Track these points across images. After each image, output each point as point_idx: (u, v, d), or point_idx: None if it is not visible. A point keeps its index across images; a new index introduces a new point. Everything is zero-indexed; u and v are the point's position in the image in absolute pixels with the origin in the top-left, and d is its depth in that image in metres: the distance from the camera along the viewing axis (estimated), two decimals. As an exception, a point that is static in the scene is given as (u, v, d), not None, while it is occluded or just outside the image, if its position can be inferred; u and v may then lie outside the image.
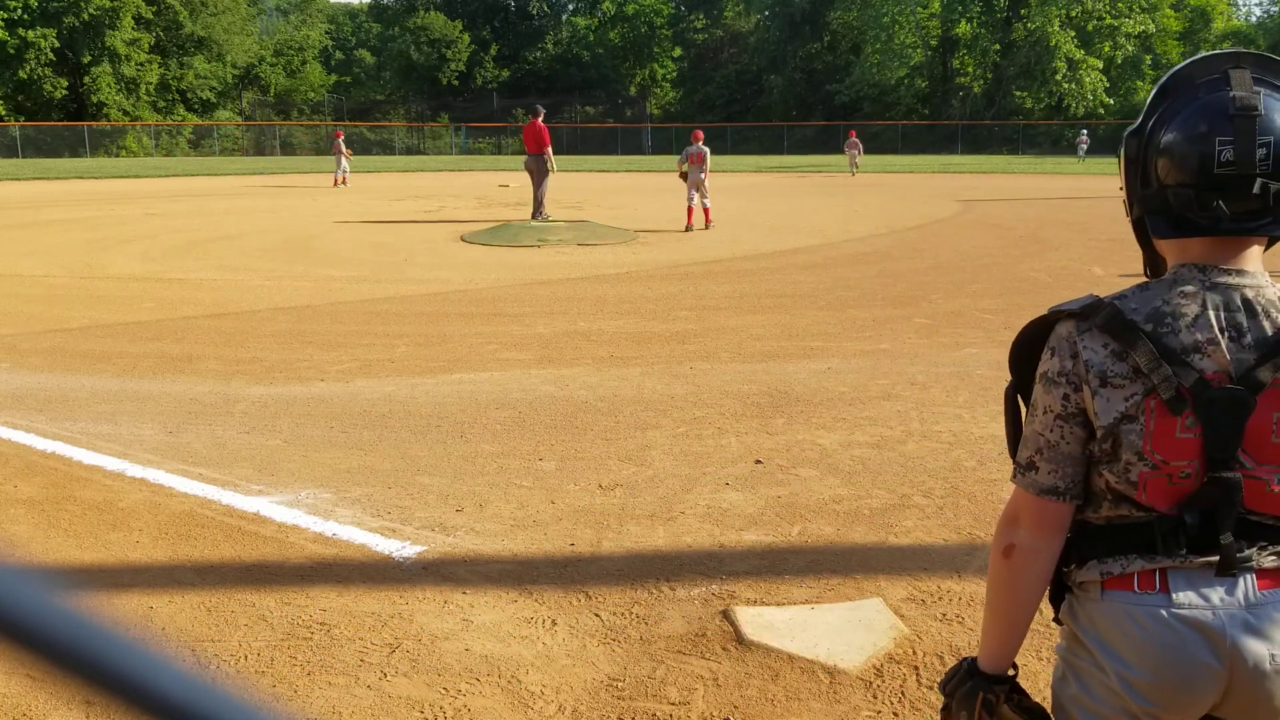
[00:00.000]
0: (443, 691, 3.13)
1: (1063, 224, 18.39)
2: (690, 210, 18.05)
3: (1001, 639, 1.63)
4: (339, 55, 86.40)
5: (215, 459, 5.35)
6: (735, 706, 3.05)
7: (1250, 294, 1.47)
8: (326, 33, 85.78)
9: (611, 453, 5.45)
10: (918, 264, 13.05)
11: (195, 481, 5.00)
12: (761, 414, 6.15)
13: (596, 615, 3.62)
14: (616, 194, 29.10)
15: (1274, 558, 1.47)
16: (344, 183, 33.63)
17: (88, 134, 62.60)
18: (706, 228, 17.70)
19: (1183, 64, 1.55)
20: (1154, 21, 67.03)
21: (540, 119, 19.08)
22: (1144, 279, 1.63)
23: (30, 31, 60.38)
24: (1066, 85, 65.30)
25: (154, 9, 66.51)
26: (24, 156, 58.10)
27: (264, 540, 4.30)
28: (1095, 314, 1.50)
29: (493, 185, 32.32)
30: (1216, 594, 1.45)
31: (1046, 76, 65.81)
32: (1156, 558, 1.47)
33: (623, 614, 3.62)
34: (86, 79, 64.85)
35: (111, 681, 0.41)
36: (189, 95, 71.48)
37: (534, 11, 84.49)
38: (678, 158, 18.52)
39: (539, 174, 19.04)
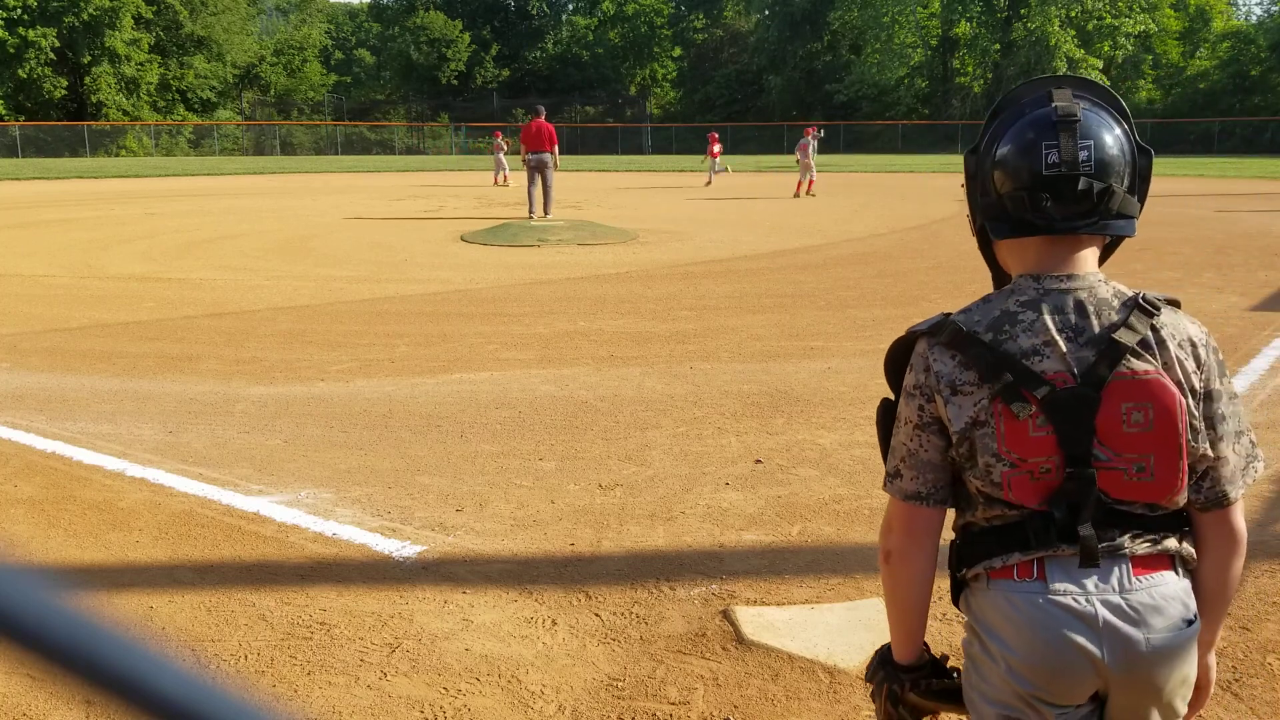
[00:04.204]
0: (443, 691, 3.13)
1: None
2: (799, 183, 26.80)
3: (902, 633, 1.74)
4: (339, 55, 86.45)
5: (215, 459, 5.35)
6: (735, 706, 3.05)
7: (1083, 296, 1.60)
8: (326, 32, 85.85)
9: (611, 452, 5.45)
10: (918, 264, 13.04)
11: (195, 481, 5.00)
12: (761, 414, 6.15)
13: (596, 615, 3.62)
14: (616, 194, 29.10)
15: (1148, 544, 1.56)
16: (505, 182, 32.52)
17: (88, 134, 62.63)
18: (810, 194, 26.31)
19: (1013, 89, 1.70)
20: (1154, 21, 67.05)
21: (543, 118, 19.42)
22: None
23: (30, 31, 60.41)
24: (1067, 85, 65.29)
25: (154, 9, 66.55)
26: (24, 156, 58.15)
27: (264, 540, 4.30)
28: (942, 331, 1.63)
29: (490, 184, 32.29)
30: (1091, 581, 1.53)
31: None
32: (1032, 551, 1.56)
33: (623, 614, 3.62)
34: (87, 79, 64.90)
35: (111, 681, 0.41)
36: (189, 95, 71.52)
37: (534, 11, 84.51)
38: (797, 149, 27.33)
39: (547, 172, 19.24)
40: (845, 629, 3.48)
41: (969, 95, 72.28)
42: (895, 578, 1.70)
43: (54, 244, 16.09)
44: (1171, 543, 1.58)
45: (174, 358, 7.82)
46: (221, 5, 70.68)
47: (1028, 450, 1.55)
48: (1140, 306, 1.59)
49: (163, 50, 69.22)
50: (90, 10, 61.73)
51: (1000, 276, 1.78)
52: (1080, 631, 1.52)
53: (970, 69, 72.59)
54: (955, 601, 1.72)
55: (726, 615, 3.60)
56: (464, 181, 35.28)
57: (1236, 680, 3.15)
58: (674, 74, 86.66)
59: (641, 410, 6.27)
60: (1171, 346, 1.57)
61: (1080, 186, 1.55)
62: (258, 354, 7.96)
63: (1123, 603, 1.53)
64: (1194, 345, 1.59)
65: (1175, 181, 32.40)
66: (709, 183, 33.01)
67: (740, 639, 3.43)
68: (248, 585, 3.88)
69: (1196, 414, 1.57)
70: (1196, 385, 1.57)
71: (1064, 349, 1.56)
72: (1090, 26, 66.16)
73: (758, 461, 5.25)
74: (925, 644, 1.75)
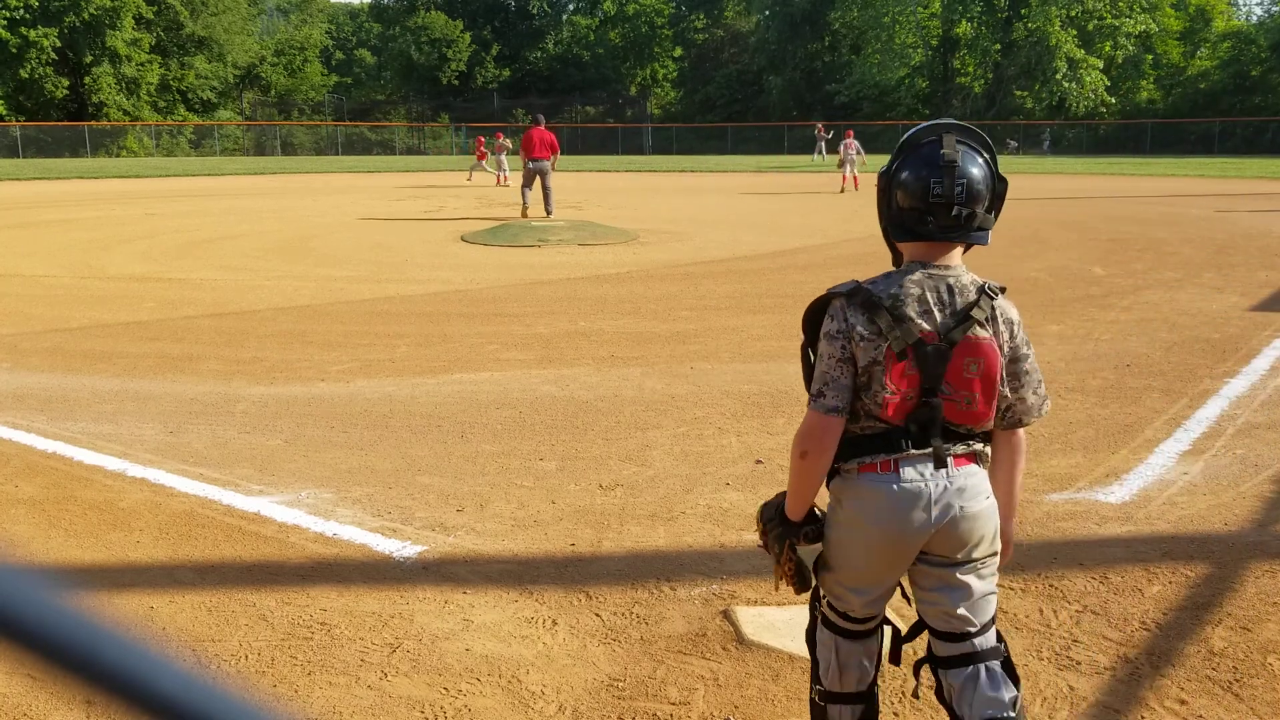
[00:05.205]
0: (443, 691, 3.13)
1: (1063, 224, 18.38)
2: (844, 177, 28.63)
3: (800, 504, 2.39)
4: (339, 55, 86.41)
5: (216, 459, 5.35)
6: (736, 706, 3.05)
7: (951, 281, 2.26)
8: (327, 32, 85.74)
9: (612, 453, 5.45)
10: (918, 264, 13.00)
11: (196, 481, 5.00)
12: (762, 414, 6.15)
13: (597, 615, 3.62)
14: (617, 194, 29.09)
15: (964, 448, 2.28)
16: (505, 182, 32.00)
17: (88, 134, 62.58)
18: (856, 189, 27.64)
19: (913, 130, 2.34)
20: (1154, 21, 66.93)
21: (545, 125, 20.13)
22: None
23: (32, 31, 60.35)
24: (1067, 85, 65.25)
25: (154, 9, 66.48)
26: (25, 156, 58.10)
27: (264, 540, 4.30)
28: (856, 294, 2.26)
29: (491, 185, 32.27)
30: (928, 471, 2.24)
31: (1047, 76, 65.76)
32: (892, 453, 2.24)
33: (623, 614, 3.62)
34: (87, 79, 64.85)
35: (112, 681, 0.41)
36: (190, 95, 71.47)
37: (534, 11, 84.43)
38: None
39: (547, 176, 19.75)
40: (846, 629, 3.47)
41: (970, 95, 72.18)
42: (809, 470, 2.32)
43: (55, 244, 16.09)
44: (978, 447, 2.31)
45: (175, 358, 7.82)
46: (222, 5, 70.60)
47: (902, 384, 2.22)
48: (986, 292, 2.27)
49: (163, 50, 69.17)
50: (91, 10, 61.67)
51: (898, 258, 2.39)
52: (919, 508, 2.22)
53: (971, 69, 72.49)
54: (827, 484, 2.37)
55: (727, 615, 3.59)
56: (464, 182, 35.28)
57: (1237, 681, 3.15)
58: (674, 74, 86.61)
59: (642, 410, 6.27)
60: (1000, 322, 2.27)
61: (953, 213, 2.22)
62: (258, 354, 7.96)
63: (949, 484, 2.24)
64: (1012, 324, 2.29)
65: (1176, 182, 32.38)
66: (470, 179, 33.74)
67: (741, 639, 3.43)
68: (248, 585, 3.88)
69: (1005, 370, 2.28)
70: (1007, 350, 2.28)
71: (936, 317, 2.23)
72: (1091, 27, 66.05)
73: (758, 462, 5.25)
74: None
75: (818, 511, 2.42)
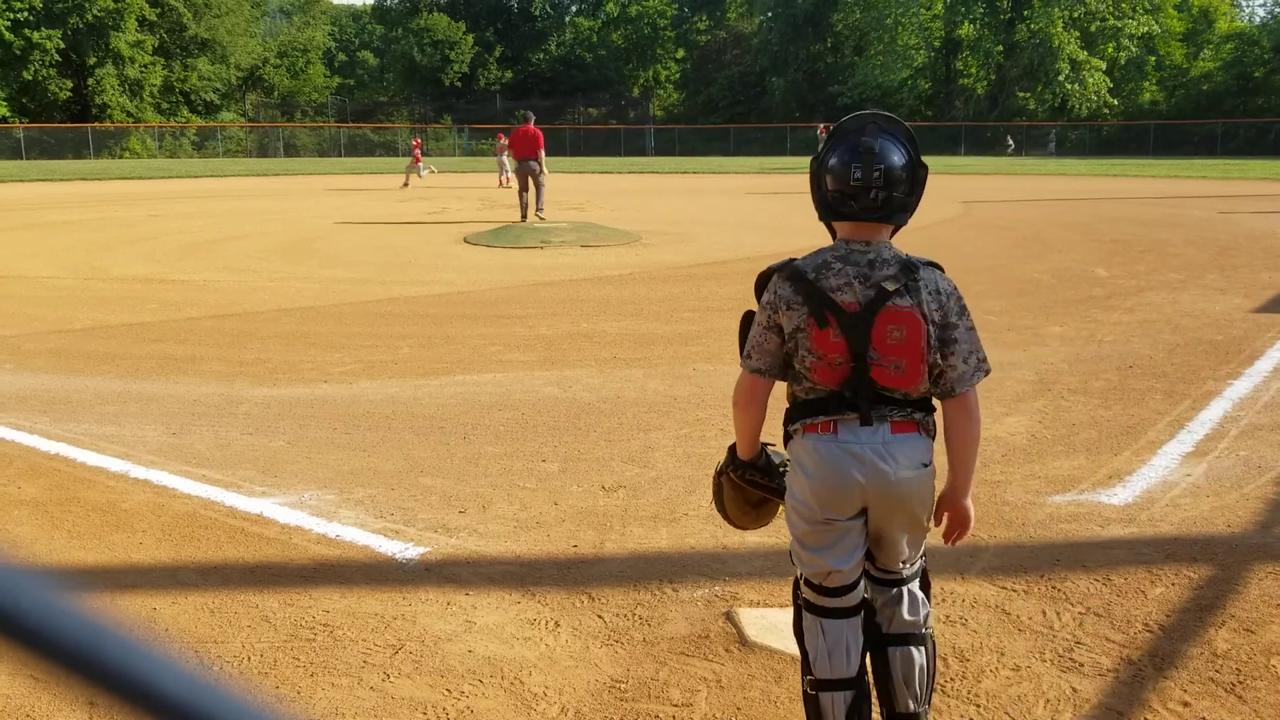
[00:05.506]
0: (446, 693, 3.13)
1: (1066, 225, 18.37)
2: None
3: (744, 444, 2.72)
4: (342, 57, 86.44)
5: (218, 460, 5.36)
6: (738, 708, 3.05)
7: (872, 256, 2.47)
8: (330, 34, 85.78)
9: (615, 454, 5.45)
10: (921, 265, 12.99)
11: (198, 483, 5.00)
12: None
13: (599, 617, 3.62)
14: (619, 195, 29.10)
15: (902, 415, 2.46)
16: (508, 184, 30.90)
17: (92, 136, 62.63)
18: None
19: (841, 121, 2.60)
20: (1157, 23, 66.88)
21: (532, 123, 19.86)
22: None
23: (35, 33, 60.45)
24: (1070, 86, 65.20)
25: (158, 11, 66.55)
26: (28, 158, 58.16)
27: (267, 541, 4.31)
28: (786, 268, 2.52)
29: (494, 185, 32.21)
30: (865, 433, 2.45)
31: (1050, 77, 65.70)
32: (830, 415, 2.47)
33: (626, 615, 3.62)
34: (91, 80, 64.92)
35: (115, 682, 0.41)
36: (193, 97, 71.51)
37: (537, 13, 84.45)
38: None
39: (535, 174, 19.63)
40: (848, 631, 3.47)
41: (972, 97, 72.17)
42: (743, 419, 2.68)
43: (58, 246, 16.11)
44: (918, 415, 2.49)
45: (177, 359, 7.83)
46: (225, 7, 70.68)
47: (828, 350, 2.44)
48: (906, 266, 2.45)
49: (166, 52, 69.23)
50: (94, 12, 61.77)
51: (833, 235, 2.60)
52: (854, 466, 2.44)
53: (974, 70, 72.47)
54: (785, 445, 2.65)
55: (730, 617, 3.59)
56: (467, 183, 35.29)
57: (1240, 683, 3.15)
58: (677, 75, 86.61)
59: (645, 412, 6.27)
60: (924, 293, 2.44)
61: (871, 195, 2.45)
62: (261, 355, 7.97)
63: (882, 449, 2.44)
64: (939, 293, 2.46)
65: (1178, 183, 32.34)
66: (405, 184, 33.28)
67: (743, 640, 3.43)
68: (251, 587, 3.89)
69: (933, 337, 2.43)
70: (936, 319, 2.44)
71: (856, 288, 2.44)
72: (1093, 28, 66.00)
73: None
74: (765, 448, 2.75)
75: (775, 461, 2.76)
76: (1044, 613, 3.62)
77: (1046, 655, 3.32)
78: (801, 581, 2.64)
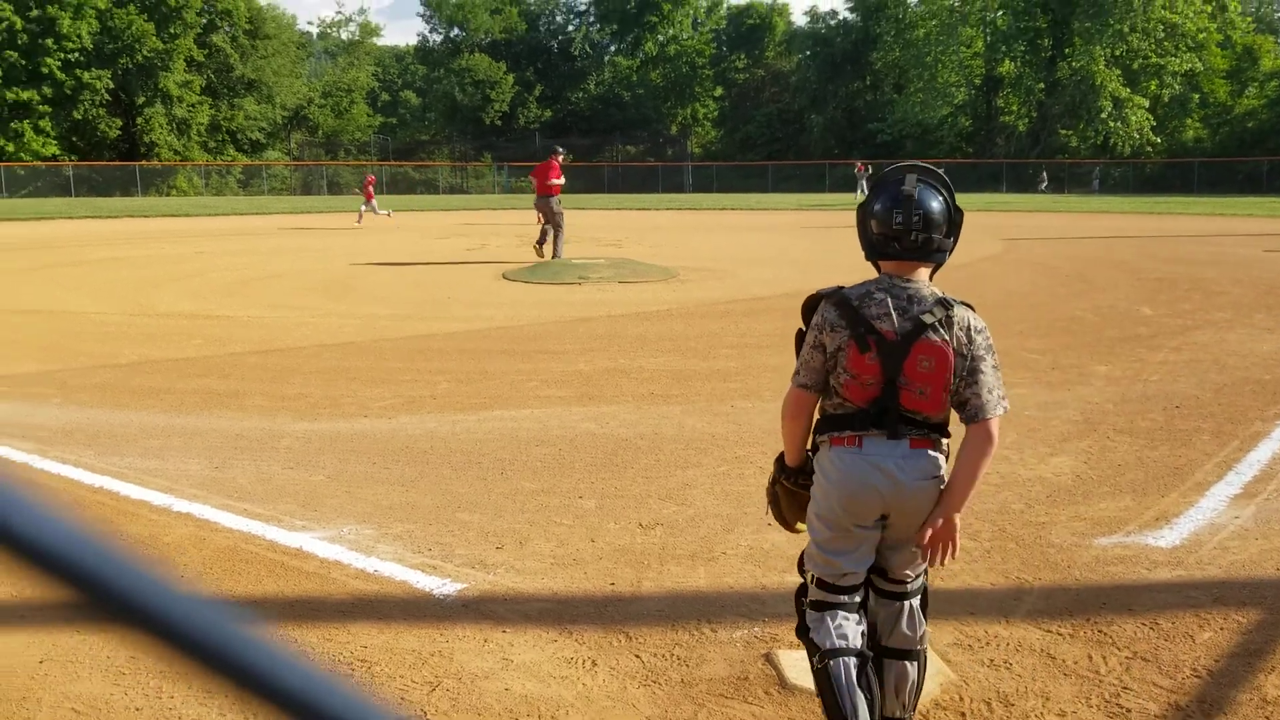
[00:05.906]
0: (482, 731, 3.11)
1: (1109, 263, 18.20)
2: None
3: (791, 452, 3.00)
4: (385, 96, 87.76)
5: (260, 494, 5.39)
6: (777, 751, 3.01)
7: (912, 291, 2.75)
8: (373, 74, 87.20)
9: (652, 491, 5.43)
10: (961, 303, 12.90)
11: (240, 517, 5.04)
12: (803, 453, 6.10)
13: (637, 656, 3.59)
14: (657, 232, 29.20)
15: (921, 435, 2.73)
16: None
17: (139, 174, 63.84)
18: None
19: (885, 170, 2.89)
20: (1200, 60, 66.43)
21: (559, 159, 18.80)
22: None
23: (86, 73, 61.98)
24: (1112, 124, 64.79)
25: (205, 52, 68.06)
26: (77, 195, 59.33)
27: (306, 576, 4.32)
28: (834, 295, 2.81)
29: (532, 222, 32.30)
30: (887, 447, 2.73)
31: (1092, 115, 65.33)
32: (858, 430, 2.75)
33: (663, 655, 3.59)
34: (139, 120, 66.35)
35: (239, 675, 0.44)
36: (239, 136, 72.88)
37: (576, 53, 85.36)
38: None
39: (548, 214, 18.81)
40: (889, 673, 3.42)
41: (1013, 134, 71.88)
42: (790, 428, 2.96)
43: (105, 281, 16.40)
44: (934, 435, 2.75)
45: (221, 394, 7.91)
46: (271, 49, 72.17)
47: (863, 371, 2.72)
48: (941, 303, 2.72)
49: (214, 92, 70.71)
50: (144, 53, 63.24)
51: (878, 271, 2.86)
52: (876, 476, 2.72)
53: (1015, 108, 72.22)
54: (810, 456, 2.94)
55: (769, 659, 3.55)
56: (506, 220, 35.57)
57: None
58: (715, 113, 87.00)
59: (682, 449, 6.25)
60: (956, 328, 2.70)
61: (912, 238, 2.73)
62: (303, 390, 8.04)
63: (901, 461, 2.72)
64: (970, 330, 2.72)
65: (1223, 221, 31.98)
66: (360, 222, 32.54)
67: (783, 683, 3.39)
68: (290, 621, 3.90)
69: (962, 369, 2.70)
70: (965, 353, 2.71)
71: (894, 319, 2.71)
72: (1136, 65, 65.66)
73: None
74: (810, 455, 2.95)
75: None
76: (1090, 657, 3.54)
77: (1093, 701, 3.25)
78: (812, 584, 2.87)
